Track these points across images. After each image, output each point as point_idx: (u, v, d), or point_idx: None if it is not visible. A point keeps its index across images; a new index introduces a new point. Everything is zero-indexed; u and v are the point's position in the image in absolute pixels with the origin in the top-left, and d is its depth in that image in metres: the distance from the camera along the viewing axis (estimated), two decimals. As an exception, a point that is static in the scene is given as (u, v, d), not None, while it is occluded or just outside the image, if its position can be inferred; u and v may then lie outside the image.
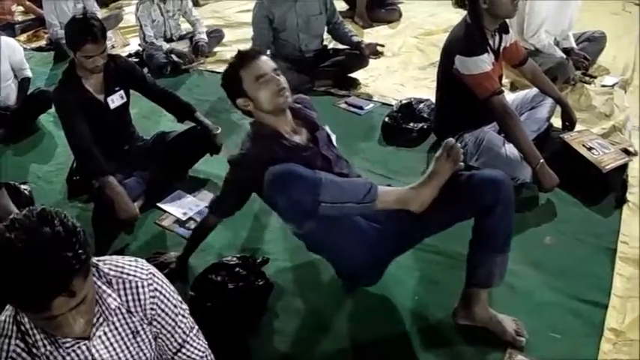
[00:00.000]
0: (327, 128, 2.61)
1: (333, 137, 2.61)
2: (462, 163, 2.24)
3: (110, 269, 1.62)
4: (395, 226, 2.34)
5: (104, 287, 1.58)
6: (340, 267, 2.57)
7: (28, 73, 4.69)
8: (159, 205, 3.40)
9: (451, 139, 2.24)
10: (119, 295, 1.61)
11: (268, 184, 2.12)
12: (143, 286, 1.64)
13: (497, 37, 3.32)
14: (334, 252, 2.48)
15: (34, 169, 4.02)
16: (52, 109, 4.29)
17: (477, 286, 2.34)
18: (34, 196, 3.45)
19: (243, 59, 2.43)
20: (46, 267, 1.33)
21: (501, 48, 3.37)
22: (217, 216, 2.71)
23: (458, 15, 5.63)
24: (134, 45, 6.16)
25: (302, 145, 2.43)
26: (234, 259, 2.69)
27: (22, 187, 3.45)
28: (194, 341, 1.79)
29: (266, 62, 2.43)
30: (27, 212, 1.40)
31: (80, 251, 1.38)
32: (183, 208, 3.34)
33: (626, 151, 3.46)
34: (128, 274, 1.63)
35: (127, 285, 1.62)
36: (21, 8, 7.50)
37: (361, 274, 2.55)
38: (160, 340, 1.73)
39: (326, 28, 4.88)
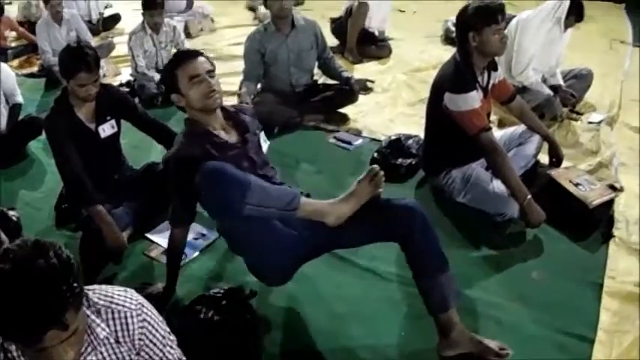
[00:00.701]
0: (263, 135, 2.71)
1: (265, 145, 2.81)
2: (380, 190, 2.40)
3: (99, 298, 1.62)
4: (310, 235, 2.46)
5: (93, 316, 1.58)
6: (252, 265, 2.64)
7: (20, 99, 4.67)
8: (147, 235, 3.39)
9: (376, 166, 2.41)
10: (108, 325, 1.61)
11: (199, 178, 2.26)
12: (132, 317, 1.64)
13: (485, 75, 3.36)
14: (249, 250, 2.58)
15: (23, 195, 4.00)
16: (43, 136, 4.30)
17: (439, 312, 2.40)
18: (21, 223, 3.41)
19: (180, 59, 2.58)
20: (40, 300, 1.33)
21: (490, 85, 3.41)
22: (177, 226, 2.71)
23: (447, 52, 5.70)
24: (125, 75, 6.18)
25: (230, 143, 2.56)
26: (221, 291, 2.68)
27: (10, 212, 3.41)
28: (181, 373, 1.79)
29: (201, 64, 2.55)
30: (21, 242, 1.40)
31: (75, 284, 1.38)
32: (171, 238, 3.32)
33: (613, 187, 3.49)
34: (117, 304, 1.63)
35: (116, 315, 1.62)
36: (14, 34, 7.51)
37: (270, 274, 2.64)
38: (147, 371, 1.72)
39: (316, 63, 4.90)
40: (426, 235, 2.35)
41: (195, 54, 2.60)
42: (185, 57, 2.57)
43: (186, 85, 2.51)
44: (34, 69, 6.67)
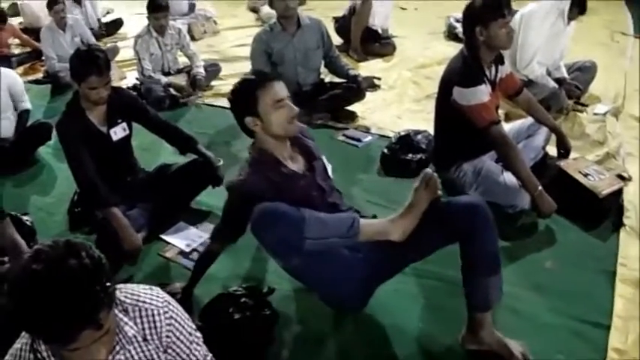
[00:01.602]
0: (325, 159, 2.66)
1: (329, 168, 2.67)
2: (439, 192, 2.33)
3: (126, 297, 1.63)
4: (378, 256, 2.40)
5: (120, 315, 1.59)
6: (325, 296, 2.61)
7: (28, 105, 4.66)
8: (162, 236, 3.40)
9: (429, 170, 2.35)
10: (135, 323, 1.62)
11: (254, 222, 2.23)
12: (159, 314, 1.65)
13: (493, 69, 3.38)
14: (319, 282, 2.53)
15: (35, 200, 4.02)
16: (52, 141, 4.33)
17: (478, 311, 2.39)
18: (35, 228, 3.43)
19: (262, 80, 2.45)
20: (75, 300, 1.34)
21: (497, 79, 3.43)
22: (220, 243, 2.72)
23: (451, 47, 5.76)
24: (131, 78, 6.20)
25: (299, 173, 2.49)
26: (240, 289, 2.70)
27: (24, 217, 3.43)
28: (208, 369, 1.81)
29: (283, 88, 2.44)
30: (52, 243, 1.41)
31: (108, 283, 1.39)
32: (186, 239, 3.34)
33: (621, 177, 3.55)
34: (144, 302, 1.65)
35: (144, 313, 1.63)
36: (17, 41, 7.53)
37: (346, 302, 2.60)
38: (174, 368, 1.73)
39: (323, 62, 4.92)
40: (486, 234, 2.28)
41: (275, 76, 2.53)
42: (267, 79, 2.46)
43: (269, 109, 2.39)
44: (39, 75, 6.69)
